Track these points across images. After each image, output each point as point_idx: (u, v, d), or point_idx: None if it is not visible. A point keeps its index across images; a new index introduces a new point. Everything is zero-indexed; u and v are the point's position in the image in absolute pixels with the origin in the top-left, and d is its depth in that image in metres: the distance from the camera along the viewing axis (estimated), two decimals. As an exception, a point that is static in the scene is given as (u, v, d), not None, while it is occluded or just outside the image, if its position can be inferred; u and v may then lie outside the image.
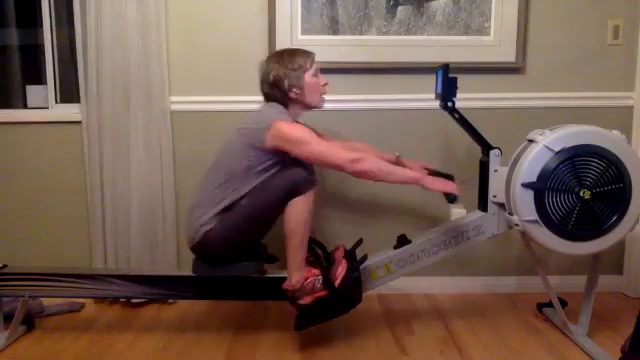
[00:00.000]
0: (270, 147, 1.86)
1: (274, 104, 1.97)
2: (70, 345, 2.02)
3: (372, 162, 1.85)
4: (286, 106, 1.96)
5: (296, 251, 1.88)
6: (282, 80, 1.92)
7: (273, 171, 1.89)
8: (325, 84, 2.00)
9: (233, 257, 1.96)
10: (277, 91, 1.94)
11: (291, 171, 1.86)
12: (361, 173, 1.84)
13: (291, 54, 1.95)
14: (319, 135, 2.08)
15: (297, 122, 1.96)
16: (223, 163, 1.94)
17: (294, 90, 1.93)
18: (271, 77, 1.93)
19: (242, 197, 1.88)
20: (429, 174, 2.06)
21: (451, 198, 1.88)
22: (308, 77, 1.95)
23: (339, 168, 1.85)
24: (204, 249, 1.92)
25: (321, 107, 2.03)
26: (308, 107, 2.00)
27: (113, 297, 2.32)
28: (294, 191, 1.83)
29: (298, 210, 1.84)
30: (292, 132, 1.85)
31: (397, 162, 2.12)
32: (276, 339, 2.06)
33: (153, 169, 2.37)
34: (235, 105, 2.42)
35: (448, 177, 2.07)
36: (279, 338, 2.07)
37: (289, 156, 1.88)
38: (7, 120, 2.46)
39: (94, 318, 2.27)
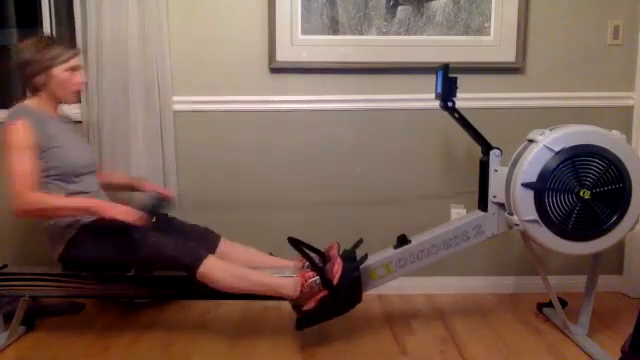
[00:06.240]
0: None
1: (22, 104, 1.92)
2: (70, 345, 2.02)
3: (32, 204, 1.76)
4: (35, 94, 1.92)
5: (260, 287, 1.88)
6: (28, 65, 1.86)
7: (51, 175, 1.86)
8: (79, 83, 1.96)
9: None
10: (20, 74, 1.91)
11: (179, 248, 1.85)
12: (23, 213, 1.78)
13: (49, 43, 1.90)
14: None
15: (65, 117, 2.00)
16: None
17: (37, 78, 1.88)
18: (19, 58, 1.88)
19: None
20: (151, 205, 1.96)
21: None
22: (60, 70, 1.88)
23: (13, 196, 1.76)
24: (73, 255, 1.91)
25: (70, 103, 2.03)
26: (59, 100, 1.95)
27: (113, 297, 2.31)
28: (183, 268, 1.84)
29: (215, 280, 1.83)
30: (9, 136, 1.80)
31: (135, 186, 2.14)
32: (276, 339, 2.06)
33: (155, 169, 2.35)
34: (236, 105, 2.43)
35: (160, 206, 2.01)
36: (279, 338, 2.07)
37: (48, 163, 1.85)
38: (7, 120, 2.46)
39: (94, 318, 2.27)
